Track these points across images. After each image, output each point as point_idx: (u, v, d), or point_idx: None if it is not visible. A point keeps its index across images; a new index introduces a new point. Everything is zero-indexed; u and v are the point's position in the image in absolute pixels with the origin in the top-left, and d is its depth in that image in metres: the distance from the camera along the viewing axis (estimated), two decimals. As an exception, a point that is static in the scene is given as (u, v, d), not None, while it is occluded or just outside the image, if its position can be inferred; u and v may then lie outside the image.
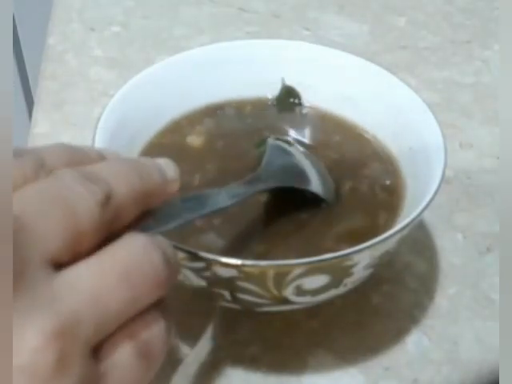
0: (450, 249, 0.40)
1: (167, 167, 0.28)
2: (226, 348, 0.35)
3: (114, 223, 0.25)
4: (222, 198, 0.30)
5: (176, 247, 0.30)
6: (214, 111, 0.41)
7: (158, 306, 0.25)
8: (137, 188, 0.25)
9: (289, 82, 0.41)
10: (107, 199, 0.24)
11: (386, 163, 0.38)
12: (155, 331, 0.25)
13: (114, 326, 0.23)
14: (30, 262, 0.22)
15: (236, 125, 0.41)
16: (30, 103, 0.91)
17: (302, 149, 0.39)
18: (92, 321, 0.22)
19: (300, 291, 0.31)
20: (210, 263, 0.30)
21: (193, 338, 0.35)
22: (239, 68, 0.41)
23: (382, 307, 0.37)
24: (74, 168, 0.25)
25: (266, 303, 0.32)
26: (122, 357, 0.23)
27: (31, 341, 0.21)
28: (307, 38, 0.54)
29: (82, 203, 0.23)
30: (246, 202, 0.33)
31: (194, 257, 0.30)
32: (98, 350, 0.23)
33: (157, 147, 0.38)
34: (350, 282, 0.33)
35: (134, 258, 0.24)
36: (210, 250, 0.30)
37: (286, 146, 0.39)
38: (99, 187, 0.24)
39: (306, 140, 0.40)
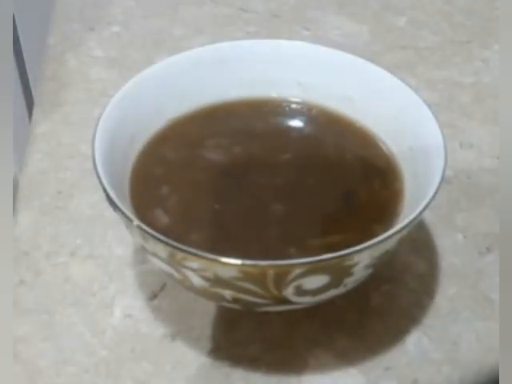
0: (450, 249, 0.40)
1: None
2: (225, 348, 0.35)
3: None
4: None
5: (175, 247, 0.30)
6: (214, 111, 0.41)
7: None
8: None
9: (289, 82, 0.41)
10: None
11: (386, 163, 0.38)
12: None
13: None
14: None
15: (233, 125, 0.41)
16: (29, 103, 0.91)
17: None
18: None
19: (300, 291, 0.31)
20: (209, 263, 0.30)
21: (193, 337, 0.36)
22: (239, 68, 0.41)
23: (382, 307, 0.37)
24: None
25: (266, 303, 0.32)
26: None
27: None
28: (307, 38, 0.54)
29: None
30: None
31: (194, 256, 0.30)
32: None
33: (157, 147, 0.38)
34: (350, 282, 0.33)
35: None
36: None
37: None
38: None
39: (306, 139, 0.40)
